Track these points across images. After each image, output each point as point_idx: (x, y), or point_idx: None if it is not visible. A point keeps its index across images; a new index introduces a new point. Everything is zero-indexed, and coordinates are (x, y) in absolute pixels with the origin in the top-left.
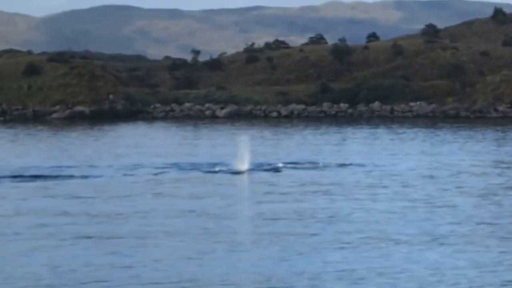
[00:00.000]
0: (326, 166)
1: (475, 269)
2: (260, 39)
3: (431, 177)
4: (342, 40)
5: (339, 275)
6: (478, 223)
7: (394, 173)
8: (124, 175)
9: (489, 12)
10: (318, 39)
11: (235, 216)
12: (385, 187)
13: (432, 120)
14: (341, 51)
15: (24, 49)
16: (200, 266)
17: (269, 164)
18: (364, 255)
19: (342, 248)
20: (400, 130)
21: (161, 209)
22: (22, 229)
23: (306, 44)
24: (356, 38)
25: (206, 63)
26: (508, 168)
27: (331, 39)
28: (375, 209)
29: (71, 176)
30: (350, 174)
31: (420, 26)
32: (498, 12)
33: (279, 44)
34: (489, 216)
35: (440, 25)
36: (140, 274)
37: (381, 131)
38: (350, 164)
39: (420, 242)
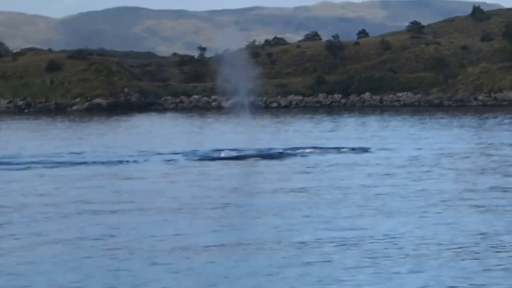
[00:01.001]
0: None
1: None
2: (259, 37)
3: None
4: (335, 36)
5: None
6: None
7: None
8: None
9: (467, 10)
10: (313, 36)
11: None
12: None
13: (418, 109)
14: (334, 47)
15: (45, 48)
16: None
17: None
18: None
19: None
20: (388, 118)
21: None
22: None
23: (303, 40)
24: (346, 35)
25: (212, 59)
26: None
27: (323, 36)
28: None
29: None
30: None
31: (404, 24)
32: (477, 10)
33: (278, 41)
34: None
35: (422, 22)
36: None
37: (371, 119)
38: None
39: None
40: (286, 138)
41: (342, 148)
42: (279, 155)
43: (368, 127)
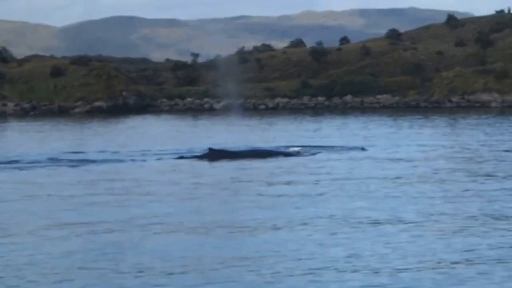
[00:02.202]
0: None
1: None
2: (246, 44)
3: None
4: (319, 43)
5: None
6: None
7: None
8: None
9: (438, 18)
10: (298, 43)
11: None
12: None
13: (396, 110)
14: (318, 53)
15: (47, 54)
16: None
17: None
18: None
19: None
20: (368, 119)
21: None
22: None
23: (288, 47)
24: (328, 42)
25: (204, 64)
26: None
27: (307, 43)
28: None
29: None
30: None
31: (381, 31)
32: (451, 18)
33: (265, 48)
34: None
35: (397, 29)
36: None
37: (352, 119)
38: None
39: None
40: (287, 137)
41: (337, 146)
42: (296, 153)
43: (357, 128)
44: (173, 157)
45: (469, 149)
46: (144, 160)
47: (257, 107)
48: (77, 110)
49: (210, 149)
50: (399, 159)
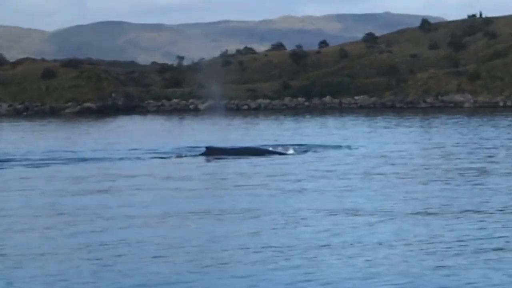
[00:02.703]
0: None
1: None
2: (227, 47)
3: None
4: (299, 46)
5: None
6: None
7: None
8: None
9: (412, 23)
10: (278, 46)
11: None
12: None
13: (373, 110)
14: (298, 56)
15: (38, 57)
16: None
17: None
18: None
19: None
20: (346, 119)
21: None
22: None
23: (270, 50)
24: (306, 45)
25: (189, 67)
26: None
27: (287, 46)
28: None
29: None
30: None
31: (357, 35)
32: (425, 22)
33: (247, 51)
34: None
35: (374, 33)
36: None
37: (330, 119)
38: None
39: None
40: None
41: (327, 145)
42: (287, 152)
43: (341, 127)
44: (172, 155)
45: (443, 147)
46: (143, 159)
47: (240, 108)
48: (68, 110)
49: (207, 148)
50: (383, 156)
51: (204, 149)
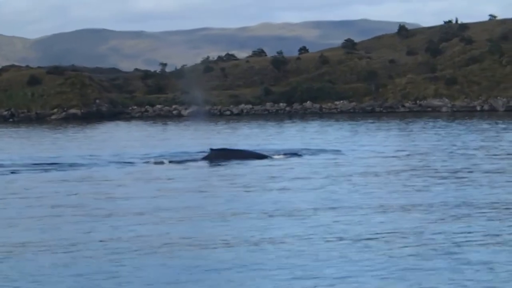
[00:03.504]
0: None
1: None
2: (207, 54)
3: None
4: (280, 53)
5: None
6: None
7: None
8: None
9: (389, 29)
10: (259, 53)
11: None
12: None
13: (353, 115)
14: (279, 62)
15: (22, 65)
16: None
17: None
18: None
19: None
20: (326, 123)
21: None
22: None
23: (251, 56)
24: (285, 52)
25: (172, 73)
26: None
27: (266, 53)
28: None
29: None
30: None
31: (335, 41)
32: (402, 28)
33: (229, 57)
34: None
35: (353, 40)
36: None
37: (312, 124)
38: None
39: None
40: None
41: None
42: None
43: (325, 132)
44: (177, 159)
45: (421, 150)
46: (146, 162)
47: (222, 113)
48: (53, 117)
49: (212, 150)
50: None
51: (209, 150)
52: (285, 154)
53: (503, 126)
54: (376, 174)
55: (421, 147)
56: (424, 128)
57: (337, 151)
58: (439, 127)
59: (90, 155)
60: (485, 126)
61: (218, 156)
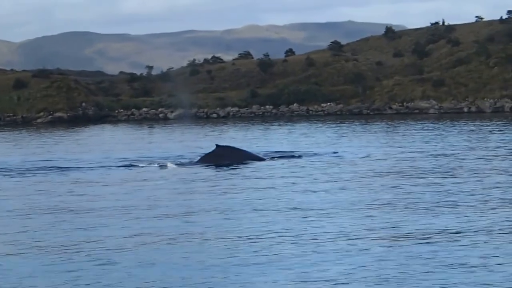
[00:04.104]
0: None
1: None
2: (194, 56)
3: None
4: (266, 55)
5: None
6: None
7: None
8: None
9: (374, 31)
10: (246, 55)
11: None
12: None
13: (340, 117)
14: (265, 64)
15: (7, 68)
16: None
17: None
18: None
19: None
20: (314, 125)
21: None
22: None
23: (237, 59)
24: (271, 54)
25: (158, 76)
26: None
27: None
28: None
29: None
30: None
31: (321, 43)
32: (389, 30)
33: (215, 60)
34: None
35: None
36: None
37: (299, 126)
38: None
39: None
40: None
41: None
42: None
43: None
44: (181, 161)
45: (408, 152)
46: (153, 164)
47: (209, 116)
48: (39, 120)
49: (217, 146)
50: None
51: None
52: (283, 156)
53: (489, 128)
54: (389, 174)
55: (409, 149)
56: (411, 129)
57: (334, 153)
58: (426, 129)
59: (103, 157)
60: (472, 127)
61: (220, 155)
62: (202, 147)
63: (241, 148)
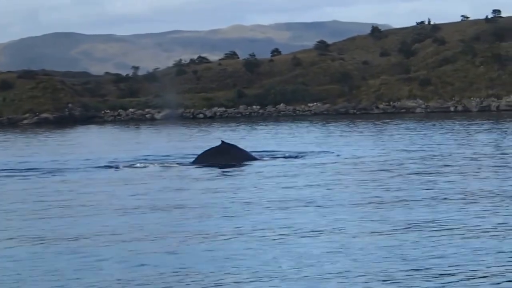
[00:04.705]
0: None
1: None
2: (179, 57)
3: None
4: (252, 55)
5: None
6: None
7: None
8: None
9: (360, 30)
10: (232, 55)
11: None
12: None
13: (327, 117)
14: (251, 64)
15: None
16: None
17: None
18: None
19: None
20: (299, 125)
21: None
22: None
23: (223, 59)
24: (257, 54)
25: (144, 77)
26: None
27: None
28: None
29: None
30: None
31: (306, 43)
32: (375, 30)
33: (201, 60)
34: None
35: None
36: None
37: (284, 126)
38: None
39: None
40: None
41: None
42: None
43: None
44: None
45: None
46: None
47: (196, 116)
48: (25, 121)
49: (223, 142)
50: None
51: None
52: (282, 156)
53: (475, 127)
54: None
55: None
56: (397, 129)
57: (329, 152)
58: (412, 129)
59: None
60: (458, 127)
61: (220, 154)
62: (188, 147)
63: (243, 148)
